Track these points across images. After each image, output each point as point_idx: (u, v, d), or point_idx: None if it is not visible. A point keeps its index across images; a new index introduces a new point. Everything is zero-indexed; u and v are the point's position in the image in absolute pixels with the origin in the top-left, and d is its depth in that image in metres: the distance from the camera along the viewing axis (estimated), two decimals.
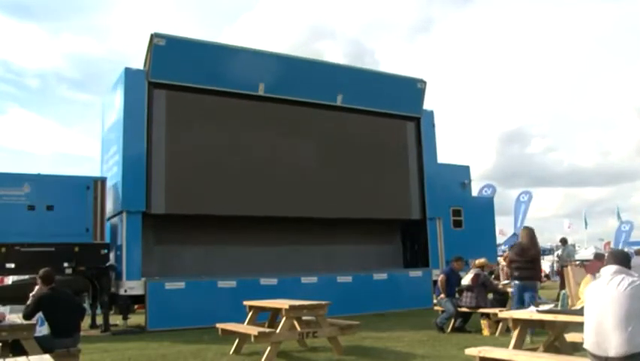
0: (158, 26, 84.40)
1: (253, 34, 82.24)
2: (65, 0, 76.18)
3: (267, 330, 7.11)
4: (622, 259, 4.05)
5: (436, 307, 10.48)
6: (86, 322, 9.92)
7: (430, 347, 7.84)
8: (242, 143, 12.24)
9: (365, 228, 14.30)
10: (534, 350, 5.97)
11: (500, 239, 26.13)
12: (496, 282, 10.15)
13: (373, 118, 14.04)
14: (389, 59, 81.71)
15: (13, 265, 9.83)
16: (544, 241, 38.42)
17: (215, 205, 11.82)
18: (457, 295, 9.76)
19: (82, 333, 6.67)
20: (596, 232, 61.83)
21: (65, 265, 10.04)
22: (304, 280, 12.15)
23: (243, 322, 7.95)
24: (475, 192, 20.14)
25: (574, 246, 24.70)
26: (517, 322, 5.79)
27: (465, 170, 16.74)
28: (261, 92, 12.48)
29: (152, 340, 9.13)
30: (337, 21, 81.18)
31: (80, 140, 77.07)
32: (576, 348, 5.66)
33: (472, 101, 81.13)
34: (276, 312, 7.85)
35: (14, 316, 6.41)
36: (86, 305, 10.40)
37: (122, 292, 10.61)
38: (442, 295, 9.82)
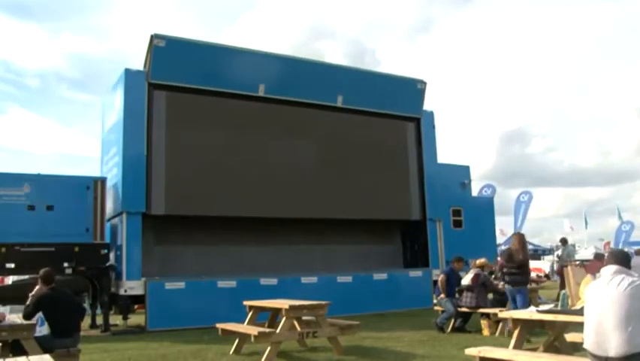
0: (158, 26, 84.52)
1: (253, 34, 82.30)
2: (65, 0, 76.27)
3: (267, 330, 7.12)
4: (622, 259, 4.05)
5: (436, 308, 10.49)
6: (86, 322, 9.92)
7: (430, 347, 7.84)
8: (242, 144, 12.24)
9: (365, 228, 14.31)
10: (534, 350, 5.97)
11: (500, 239, 26.14)
12: (496, 282, 10.16)
13: (373, 119, 14.04)
14: (389, 59, 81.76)
15: (13, 265, 9.84)
16: (544, 241, 38.53)
17: (216, 206, 11.82)
18: (457, 295, 9.77)
19: (82, 333, 6.67)
20: (596, 232, 61.79)
21: (65, 265, 10.04)
22: (304, 280, 12.15)
23: (243, 322, 7.95)
24: (475, 192, 20.15)
25: (574, 246, 24.70)
26: (517, 322, 5.80)
27: (465, 170, 16.75)
28: (261, 93, 12.48)
29: (152, 340, 9.13)
30: (337, 21, 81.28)
31: (80, 140, 77.14)
32: (576, 348, 5.67)
33: (472, 101, 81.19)
34: (276, 312, 7.85)
35: (14, 316, 6.42)
36: (86, 305, 10.40)
37: (122, 292, 10.61)
38: (442, 295, 9.82)
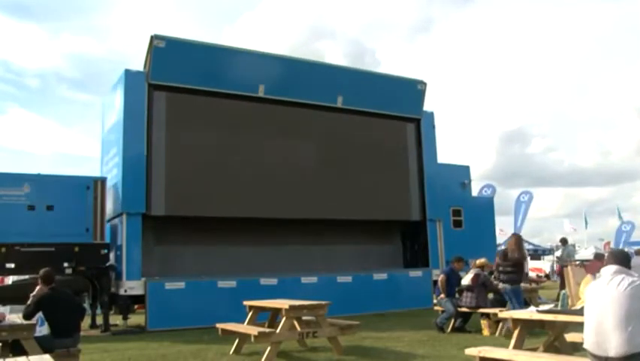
0: (158, 26, 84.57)
1: (253, 34, 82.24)
2: (65, 0, 76.27)
3: (267, 330, 7.12)
4: (622, 259, 4.06)
5: (436, 307, 10.49)
6: (86, 322, 9.92)
7: (430, 347, 7.84)
8: (242, 144, 12.24)
9: (365, 228, 14.30)
10: (534, 350, 5.98)
11: (500, 239, 26.12)
12: (495, 282, 10.16)
13: (373, 119, 14.04)
14: (389, 59, 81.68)
15: (13, 265, 9.84)
16: (544, 241, 38.51)
17: (216, 207, 11.82)
18: (457, 295, 9.77)
19: (82, 333, 6.68)
20: (597, 232, 61.79)
21: (65, 265, 10.04)
22: (304, 280, 12.15)
23: (243, 322, 7.95)
24: (475, 192, 20.15)
25: (574, 246, 24.68)
26: (517, 322, 5.80)
27: (465, 170, 16.75)
28: (261, 94, 12.48)
29: (152, 340, 9.13)
30: (337, 21, 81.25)
31: (80, 140, 77.10)
32: (576, 348, 5.67)
33: (472, 101, 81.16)
34: (276, 312, 7.85)
35: (14, 316, 6.42)
36: (86, 305, 10.39)
37: (122, 292, 10.61)
38: (442, 295, 9.83)
